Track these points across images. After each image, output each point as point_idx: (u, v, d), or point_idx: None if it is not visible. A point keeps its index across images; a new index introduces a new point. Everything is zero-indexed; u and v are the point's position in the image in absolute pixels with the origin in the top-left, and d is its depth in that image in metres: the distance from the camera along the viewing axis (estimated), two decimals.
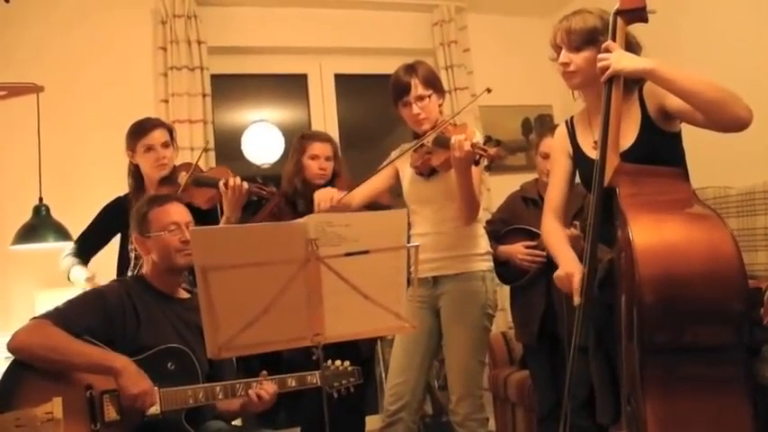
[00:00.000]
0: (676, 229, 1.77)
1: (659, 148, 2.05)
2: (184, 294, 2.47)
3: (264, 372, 2.30)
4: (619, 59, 1.97)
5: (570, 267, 2.11)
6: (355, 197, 2.80)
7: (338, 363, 2.40)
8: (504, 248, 3.25)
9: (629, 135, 2.07)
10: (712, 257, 1.68)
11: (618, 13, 2.04)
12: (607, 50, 2.00)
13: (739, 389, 1.68)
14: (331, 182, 3.23)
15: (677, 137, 2.12)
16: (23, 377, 2.06)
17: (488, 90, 2.69)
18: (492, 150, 2.34)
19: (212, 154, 4.11)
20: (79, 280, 2.97)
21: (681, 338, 1.69)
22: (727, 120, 1.87)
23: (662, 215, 1.81)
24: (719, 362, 1.69)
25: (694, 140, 2.13)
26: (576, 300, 2.01)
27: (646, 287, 1.66)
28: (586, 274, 1.98)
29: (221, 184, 2.85)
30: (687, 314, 1.68)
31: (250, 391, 2.22)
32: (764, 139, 2.07)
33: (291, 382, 2.31)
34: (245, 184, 2.85)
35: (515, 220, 3.37)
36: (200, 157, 3.29)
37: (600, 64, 2.00)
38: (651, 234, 1.73)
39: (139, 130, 3.00)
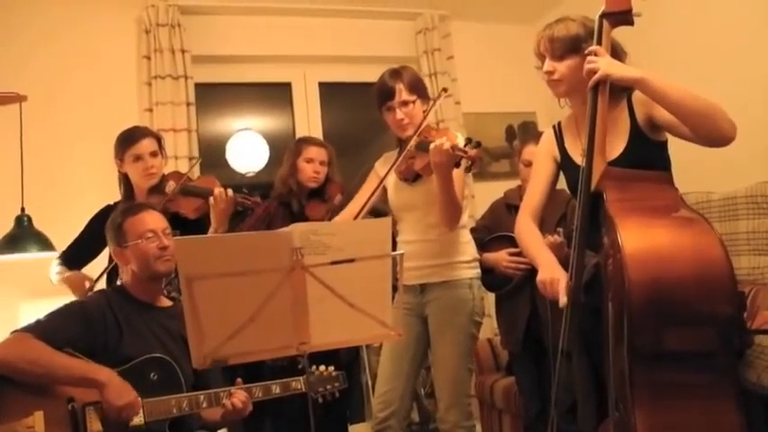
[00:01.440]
0: (665, 234, 1.77)
1: (648, 157, 2.06)
2: (166, 302, 2.45)
3: (239, 379, 2.30)
4: (608, 64, 1.96)
5: (554, 272, 2.09)
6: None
7: (322, 368, 2.39)
8: (489, 256, 3.25)
9: (618, 143, 2.08)
10: (701, 261, 1.68)
11: (604, 15, 2.03)
12: (595, 54, 1.99)
13: (729, 395, 1.68)
14: (323, 186, 3.29)
15: (664, 145, 2.13)
16: (3, 391, 2.02)
17: (444, 90, 2.84)
18: (472, 152, 2.31)
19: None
20: (53, 274, 2.97)
21: (671, 344, 1.69)
22: (713, 135, 1.88)
23: (650, 220, 1.81)
24: (709, 368, 1.69)
25: (677, 147, 2.13)
26: (563, 300, 1.98)
27: (635, 292, 1.66)
28: (573, 277, 1.96)
29: (211, 199, 2.87)
30: (677, 319, 1.67)
31: (225, 401, 2.21)
32: (746, 146, 2.09)
33: (276, 388, 2.31)
34: (230, 193, 2.86)
35: (499, 227, 3.37)
36: (192, 168, 3.28)
37: (588, 66, 1.99)
38: (640, 239, 1.73)
39: (128, 140, 2.98)
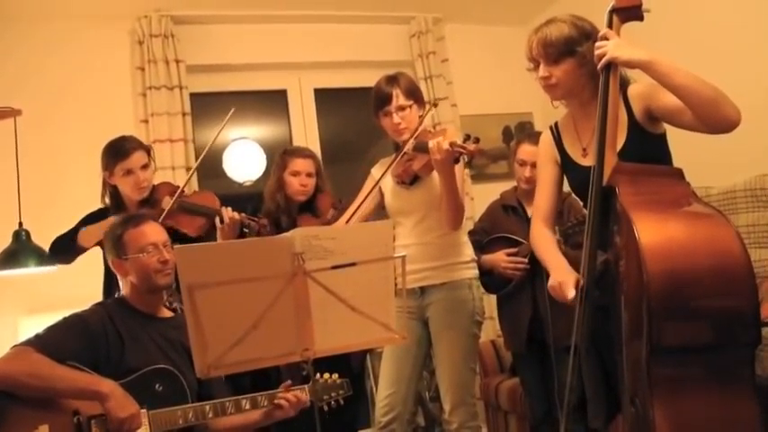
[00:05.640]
0: (681, 227, 1.75)
1: (648, 150, 2.04)
2: (168, 313, 2.44)
3: (289, 381, 2.29)
4: (616, 47, 1.93)
5: (562, 275, 2.07)
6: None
7: (327, 375, 2.38)
8: (487, 258, 3.24)
9: (618, 138, 2.05)
10: (718, 253, 1.67)
11: (614, 10, 2.00)
12: (604, 38, 1.96)
13: (747, 388, 1.66)
14: (313, 198, 3.24)
15: (663, 137, 2.12)
16: (8, 406, 2.00)
17: (435, 105, 3.07)
18: (471, 147, 2.33)
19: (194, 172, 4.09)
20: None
21: (690, 337, 1.67)
22: (718, 120, 1.86)
23: (665, 213, 1.79)
24: (727, 360, 1.67)
25: (675, 141, 2.13)
26: (570, 294, 1.95)
27: (653, 285, 1.64)
28: (585, 275, 1.94)
29: (218, 220, 2.87)
30: (695, 311, 1.66)
31: (278, 400, 2.21)
32: (744, 139, 2.08)
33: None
34: (236, 215, 2.88)
35: (496, 228, 3.37)
36: (187, 182, 3.20)
37: (597, 51, 1.96)
38: (656, 232, 1.71)
39: (119, 153, 2.92)
